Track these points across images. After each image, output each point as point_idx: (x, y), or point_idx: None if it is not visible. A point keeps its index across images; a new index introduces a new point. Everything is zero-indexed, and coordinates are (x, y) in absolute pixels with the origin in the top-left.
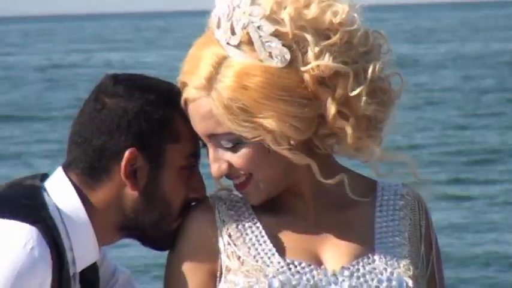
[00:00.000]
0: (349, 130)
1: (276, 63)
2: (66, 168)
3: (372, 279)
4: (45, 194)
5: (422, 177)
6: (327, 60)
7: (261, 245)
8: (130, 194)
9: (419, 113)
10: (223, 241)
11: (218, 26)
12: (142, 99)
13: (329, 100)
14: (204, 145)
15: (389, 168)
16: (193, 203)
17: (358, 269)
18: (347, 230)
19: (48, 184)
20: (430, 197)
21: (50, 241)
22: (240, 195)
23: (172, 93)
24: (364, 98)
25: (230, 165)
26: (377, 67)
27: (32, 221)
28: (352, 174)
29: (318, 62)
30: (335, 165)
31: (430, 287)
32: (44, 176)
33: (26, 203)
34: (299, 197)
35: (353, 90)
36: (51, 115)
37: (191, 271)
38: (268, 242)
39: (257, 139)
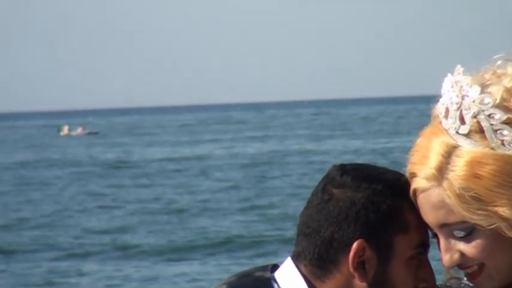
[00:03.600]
0: None
1: (508, 151)
2: (295, 259)
3: None
4: (275, 285)
5: None
6: None
7: None
8: (359, 285)
9: None
10: None
11: (446, 116)
12: (369, 190)
13: None
14: (434, 235)
15: None
16: None
17: None
18: None
19: (278, 275)
20: None
21: None
22: (471, 284)
23: (400, 182)
24: None
25: (462, 255)
26: None
27: None
28: None
29: None
30: None
31: None
32: (274, 267)
33: None
34: None
35: None
36: None
37: None
38: None
39: (492, 227)
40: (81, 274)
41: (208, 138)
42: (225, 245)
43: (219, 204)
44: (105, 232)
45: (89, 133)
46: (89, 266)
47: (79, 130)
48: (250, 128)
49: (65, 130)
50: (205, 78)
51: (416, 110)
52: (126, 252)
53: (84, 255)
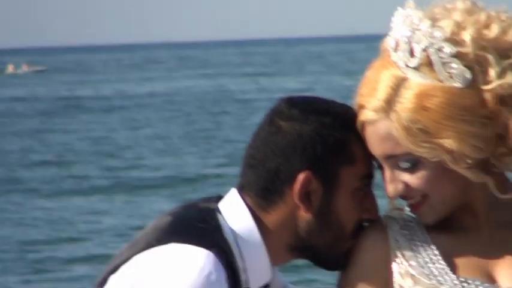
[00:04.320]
0: None
1: (456, 83)
2: (240, 190)
3: None
4: (219, 216)
5: None
6: (509, 79)
7: (434, 263)
8: (304, 216)
9: None
10: (396, 260)
11: (396, 49)
12: (317, 122)
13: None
14: (379, 166)
15: None
16: (365, 224)
17: None
18: None
19: (222, 206)
20: None
21: (225, 264)
22: (413, 215)
23: (348, 115)
24: None
25: (407, 186)
26: None
27: (208, 246)
28: None
29: (500, 81)
30: (508, 184)
31: None
32: (219, 198)
33: (201, 226)
34: (472, 214)
35: None
36: None
37: None
38: (441, 260)
39: (436, 159)
40: (30, 208)
41: (159, 75)
42: (180, 181)
43: (174, 140)
44: (55, 165)
45: (36, 71)
46: (31, 201)
47: (24, 68)
48: (204, 65)
49: (10, 68)
50: (160, 15)
51: (368, 49)
52: (79, 186)
53: (33, 190)
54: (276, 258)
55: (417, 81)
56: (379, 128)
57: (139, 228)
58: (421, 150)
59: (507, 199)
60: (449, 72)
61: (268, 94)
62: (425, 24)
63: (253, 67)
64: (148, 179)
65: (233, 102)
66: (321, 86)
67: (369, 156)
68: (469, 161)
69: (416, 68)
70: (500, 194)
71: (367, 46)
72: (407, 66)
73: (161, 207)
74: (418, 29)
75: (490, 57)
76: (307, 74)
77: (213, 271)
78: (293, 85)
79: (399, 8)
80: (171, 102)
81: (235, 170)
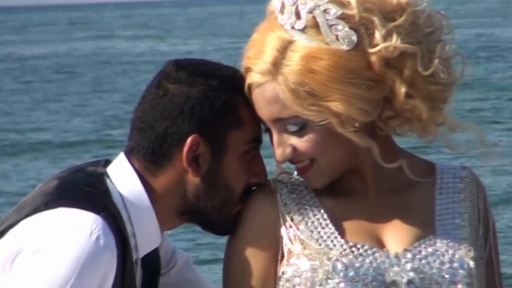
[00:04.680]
0: (423, 108)
1: (342, 46)
2: (128, 154)
3: (434, 261)
4: (108, 180)
5: (490, 143)
6: (394, 42)
7: (323, 228)
8: (192, 180)
9: None
10: (285, 224)
11: (282, 11)
12: (205, 85)
13: (397, 81)
14: (266, 130)
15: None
16: (254, 188)
17: (420, 251)
18: (408, 212)
19: (110, 170)
20: (499, 161)
21: (114, 229)
22: (301, 179)
23: (235, 78)
24: (430, 79)
25: (294, 150)
26: (446, 47)
27: (96, 210)
28: (412, 157)
29: (386, 43)
30: (395, 148)
31: (487, 268)
32: (107, 162)
33: (89, 190)
34: (360, 178)
35: (421, 70)
36: None
37: (253, 255)
38: (330, 225)
39: (323, 122)
40: None
41: (46, 38)
42: (70, 144)
43: (65, 102)
44: None
45: None
46: None
47: None
48: (92, 27)
49: None
50: None
51: (258, 11)
52: None
53: None
54: (165, 223)
55: (304, 44)
56: (266, 91)
57: (29, 192)
58: (308, 113)
59: (395, 165)
60: (335, 35)
61: (157, 57)
62: None
63: (144, 29)
64: (38, 142)
65: (122, 65)
66: (210, 49)
67: (257, 120)
68: (356, 124)
69: (302, 30)
70: (384, 162)
71: (258, 8)
72: (293, 28)
73: (51, 171)
74: None
75: (376, 20)
76: (197, 36)
77: (102, 236)
78: (183, 48)
79: None
80: (60, 64)
81: (127, 133)
